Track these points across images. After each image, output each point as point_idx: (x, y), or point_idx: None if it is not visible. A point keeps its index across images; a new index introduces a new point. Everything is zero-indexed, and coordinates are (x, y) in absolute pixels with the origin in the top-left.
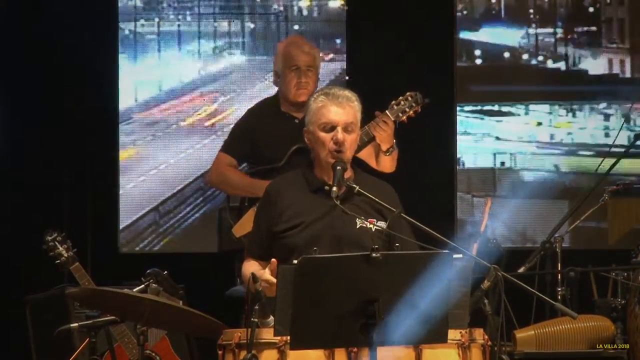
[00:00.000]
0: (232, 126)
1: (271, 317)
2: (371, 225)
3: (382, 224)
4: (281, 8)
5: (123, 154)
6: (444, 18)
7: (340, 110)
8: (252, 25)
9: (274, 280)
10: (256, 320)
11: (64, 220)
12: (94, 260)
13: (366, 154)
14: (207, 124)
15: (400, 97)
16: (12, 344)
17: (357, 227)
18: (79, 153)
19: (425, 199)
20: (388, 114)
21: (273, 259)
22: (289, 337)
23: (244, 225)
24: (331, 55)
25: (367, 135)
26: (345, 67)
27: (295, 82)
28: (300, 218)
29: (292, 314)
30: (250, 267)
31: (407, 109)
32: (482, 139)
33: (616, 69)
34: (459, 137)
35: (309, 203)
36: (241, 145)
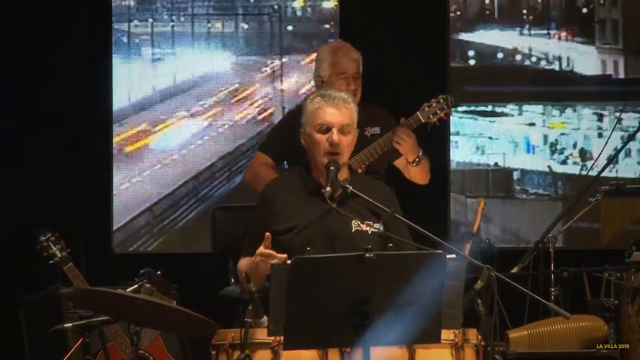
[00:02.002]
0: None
1: (265, 317)
2: (367, 229)
3: (378, 226)
4: (275, 8)
5: (117, 155)
6: (437, 19)
7: (336, 112)
8: (245, 26)
9: (269, 251)
10: (250, 320)
11: (58, 220)
12: (88, 261)
13: (401, 164)
14: (201, 124)
15: (432, 99)
16: (5, 343)
17: (353, 230)
18: (72, 153)
19: (418, 199)
20: (419, 115)
21: (267, 233)
22: (282, 337)
23: None
24: None
25: (387, 145)
26: None
27: (345, 88)
28: (296, 220)
29: (285, 314)
30: (243, 263)
31: (439, 111)
32: (476, 139)
33: (609, 70)
34: (452, 138)
35: (305, 205)
36: (279, 145)
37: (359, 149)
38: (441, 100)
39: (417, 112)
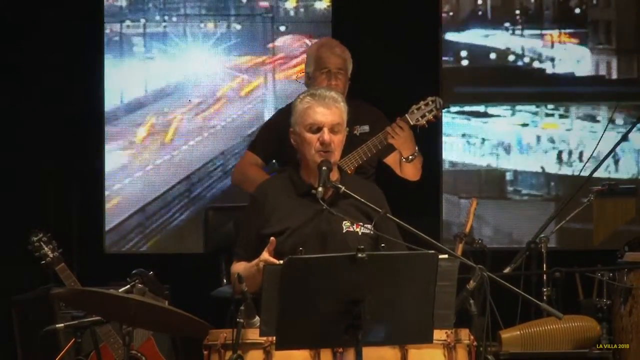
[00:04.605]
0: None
1: (257, 318)
2: (358, 229)
3: (369, 227)
4: (267, 8)
5: (109, 155)
6: (429, 19)
7: (326, 111)
8: (238, 26)
9: (273, 260)
10: (242, 320)
11: (50, 220)
12: (80, 261)
13: (393, 161)
14: (193, 125)
15: (421, 102)
16: None
17: (344, 231)
18: (65, 154)
19: (411, 199)
20: (408, 117)
21: (272, 238)
22: (274, 338)
23: None
24: None
25: (382, 143)
26: None
27: (326, 84)
28: (287, 223)
29: (277, 315)
30: (240, 266)
31: (427, 113)
32: (468, 140)
33: (602, 71)
34: (444, 139)
35: (296, 207)
36: (268, 144)
37: (347, 147)
38: (430, 103)
39: (406, 115)
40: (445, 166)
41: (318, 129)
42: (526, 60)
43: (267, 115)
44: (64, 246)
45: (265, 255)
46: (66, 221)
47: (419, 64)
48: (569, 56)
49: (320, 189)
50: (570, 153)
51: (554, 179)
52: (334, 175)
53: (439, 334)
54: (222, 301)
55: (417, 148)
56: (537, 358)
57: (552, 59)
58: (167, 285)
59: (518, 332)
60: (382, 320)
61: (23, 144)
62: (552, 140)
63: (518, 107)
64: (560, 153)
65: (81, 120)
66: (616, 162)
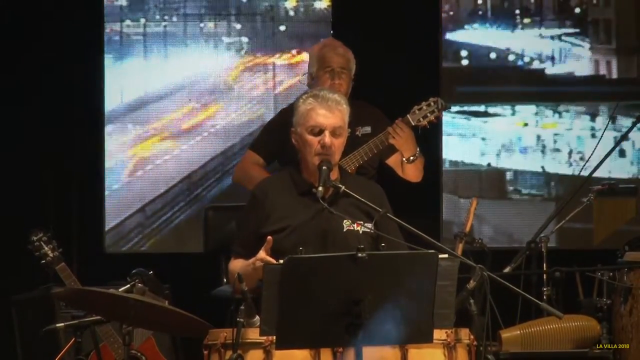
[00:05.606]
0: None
1: (257, 317)
2: (358, 229)
3: (369, 226)
4: (267, 8)
5: (109, 155)
6: (429, 19)
7: (329, 114)
8: (238, 26)
9: (270, 259)
10: (242, 320)
11: (50, 220)
12: (80, 261)
13: (394, 162)
14: (193, 125)
15: (423, 102)
16: None
17: (344, 230)
18: (65, 153)
19: (411, 199)
20: (409, 118)
21: (269, 237)
22: (274, 337)
23: None
24: None
25: (383, 143)
26: None
27: (329, 83)
28: (287, 221)
29: (277, 314)
30: (237, 264)
31: (429, 114)
32: (468, 140)
33: (603, 70)
34: (444, 138)
35: (297, 206)
36: (270, 144)
37: (349, 149)
38: (432, 104)
39: (407, 115)
40: (446, 166)
41: (319, 131)
42: (526, 59)
43: (268, 115)
44: (64, 246)
45: (262, 254)
46: (66, 221)
47: (419, 64)
48: (569, 56)
49: (320, 188)
50: (570, 153)
51: (554, 179)
52: (334, 175)
53: (439, 334)
54: (222, 301)
55: (418, 149)
56: (537, 358)
57: (552, 59)
58: (167, 285)
59: (518, 332)
60: (382, 319)
61: (23, 144)
62: (552, 140)
63: (518, 107)
64: (560, 153)
65: (81, 119)
66: (616, 161)
